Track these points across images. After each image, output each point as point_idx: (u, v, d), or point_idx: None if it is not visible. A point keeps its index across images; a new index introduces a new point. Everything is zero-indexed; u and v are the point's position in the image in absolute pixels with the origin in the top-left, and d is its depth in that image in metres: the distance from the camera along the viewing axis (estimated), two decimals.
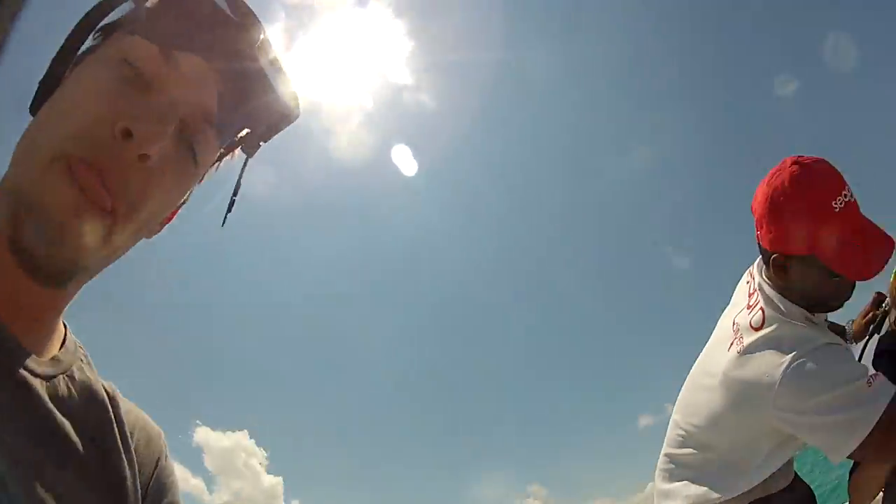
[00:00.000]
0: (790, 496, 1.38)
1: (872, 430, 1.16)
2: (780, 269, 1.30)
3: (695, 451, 1.43)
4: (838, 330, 1.70)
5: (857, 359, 1.51)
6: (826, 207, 1.24)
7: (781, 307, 1.31)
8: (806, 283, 1.30)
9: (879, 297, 1.71)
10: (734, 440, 1.36)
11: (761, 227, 1.32)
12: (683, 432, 1.45)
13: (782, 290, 1.32)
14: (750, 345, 1.30)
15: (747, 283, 1.43)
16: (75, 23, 0.59)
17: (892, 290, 1.57)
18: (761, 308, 1.33)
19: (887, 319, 1.59)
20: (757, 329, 1.31)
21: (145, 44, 0.57)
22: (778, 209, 1.28)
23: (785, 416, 1.23)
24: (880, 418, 1.16)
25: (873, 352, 1.64)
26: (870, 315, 1.71)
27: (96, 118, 0.53)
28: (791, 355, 1.22)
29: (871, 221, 1.29)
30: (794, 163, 1.28)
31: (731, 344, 1.34)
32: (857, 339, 1.76)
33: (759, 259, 1.42)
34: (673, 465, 1.47)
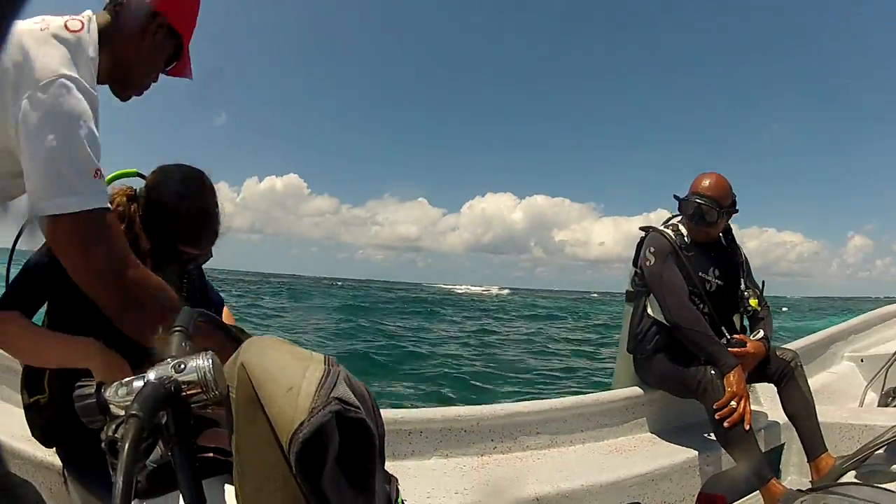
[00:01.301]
0: None
1: (79, 215, 1.06)
2: (146, 28, 1.25)
3: None
4: None
5: None
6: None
7: (95, 51, 1.16)
8: (155, 51, 1.28)
9: None
10: None
11: None
12: None
13: (115, 39, 1.22)
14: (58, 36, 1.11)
15: None
16: None
17: None
18: (83, 21, 1.18)
19: None
20: (69, 31, 1.14)
21: None
22: None
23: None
24: (89, 212, 1.06)
25: None
26: None
27: None
28: (65, 71, 1.07)
29: None
30: None
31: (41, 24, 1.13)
32: None
33: None
34: None
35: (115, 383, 0.80)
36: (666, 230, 2.55)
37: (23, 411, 1.63)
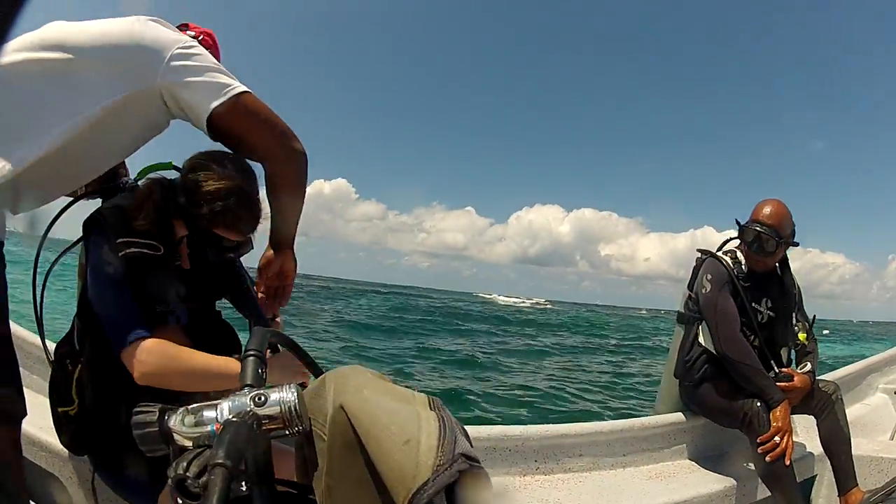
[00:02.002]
0: None
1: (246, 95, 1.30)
2: None
3: None
4: None
5: None
6: None
7: None
8: None
9: None
10: None
11: None
12: None
13: None
14: None
15: None
16: None
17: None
18: None
19: None
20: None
21: None
22: None
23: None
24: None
25: None
26: None
27: None
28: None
29: None
30: None
31: None
32: None
33: None
34: None
35: (180, 410, 0.74)
36: (724, 257, 2.52)
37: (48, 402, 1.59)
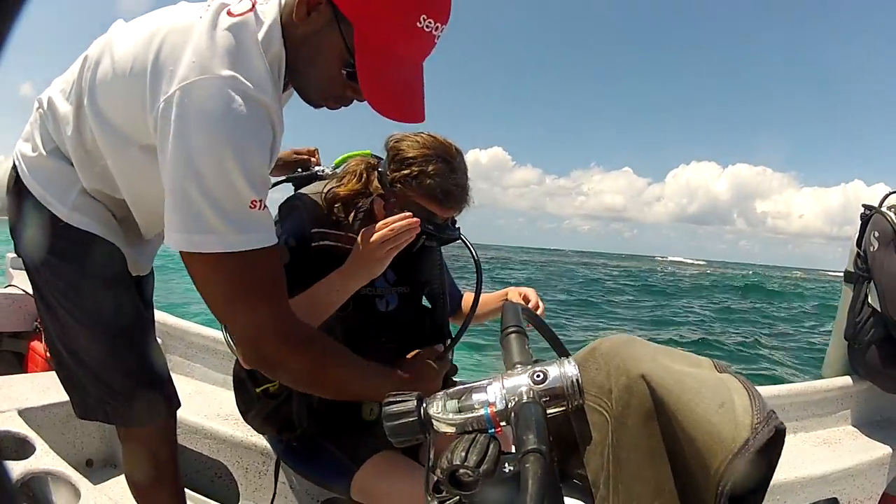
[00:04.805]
0: None
1: (215, 256, 0.88)
2: (307, 5, 0.94)
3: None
4: None
5: None
6: (413, 10, 0.93)
7: (271, 34, 0.95)
8: (319, 42, 0.98)
9: None
10: None
11: None
12: None
13: (286, 25, 0.98)
14: (213, 24, 0.91)
15: None
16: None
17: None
18: (253, 4, 0.96)
19: None
20: (231, 15, 0.93)
21: None
22: None
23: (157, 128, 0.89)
24: (228, 254, 0.88)
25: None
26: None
27: None
28: (219, 70, 0.87)
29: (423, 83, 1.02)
30: None
31: (197, 14, 0.95)
32: None
33: None
34: None
35: (440, 394, 0.69)
36: (888, 213, 2.40)
37: (213, 390, 1.84)
